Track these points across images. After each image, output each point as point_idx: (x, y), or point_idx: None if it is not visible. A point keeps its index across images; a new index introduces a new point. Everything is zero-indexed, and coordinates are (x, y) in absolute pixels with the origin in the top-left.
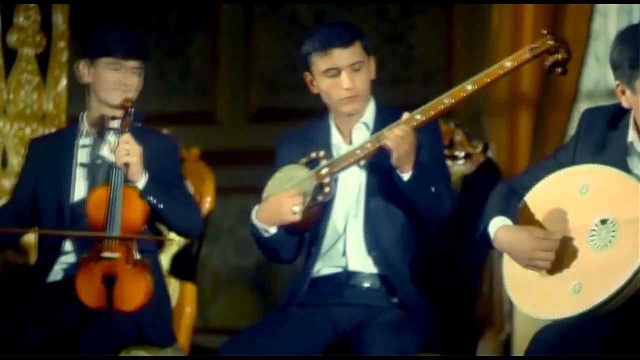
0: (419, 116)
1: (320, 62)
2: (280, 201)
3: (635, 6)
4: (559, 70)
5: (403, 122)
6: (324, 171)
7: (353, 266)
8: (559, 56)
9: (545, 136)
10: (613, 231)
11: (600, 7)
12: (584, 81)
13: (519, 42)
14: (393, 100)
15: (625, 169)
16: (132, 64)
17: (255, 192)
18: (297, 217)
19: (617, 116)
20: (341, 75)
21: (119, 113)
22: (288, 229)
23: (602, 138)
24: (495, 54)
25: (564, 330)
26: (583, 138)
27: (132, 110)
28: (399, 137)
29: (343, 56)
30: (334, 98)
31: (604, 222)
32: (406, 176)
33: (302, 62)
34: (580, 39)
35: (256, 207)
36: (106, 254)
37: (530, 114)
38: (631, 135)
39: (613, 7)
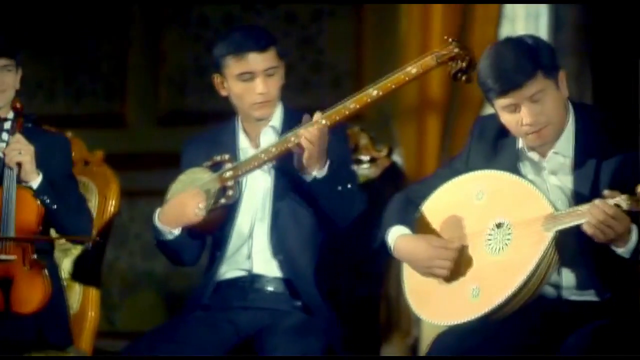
0: (323, 122)
1: (234, 66)
2: (183, 202)
3: (542, 11)
4: (464, 77)
5: (312, 124)
6: (228, 174)
7: (258, 270)
8: (464, 64)
9: (453, 140)
10: (508, 234)
11: (507, 12)
12: None
13: (428, 46)
14: (303, 105)
15: (518, 174)
16: (1, 62)
17: (163, 196)
18: (200, 218)
19: None
20: (255, 80)
21: (10, 114)
22: (191, 231)
23: (494, 145)
24: (404, 58)
25: (463, 332)
26: (476, 145)
27: (23, 111)
28: (314, 135)
29: (258, 61)
30: (246, 102)
31: (499, 225)
32: (317, 175)
33: (214, 63)
34: (487, 44)
35: (158, 210)
36: (2, 257)
37: (439, 119)
38: (521, 141)
39: (520, 13)
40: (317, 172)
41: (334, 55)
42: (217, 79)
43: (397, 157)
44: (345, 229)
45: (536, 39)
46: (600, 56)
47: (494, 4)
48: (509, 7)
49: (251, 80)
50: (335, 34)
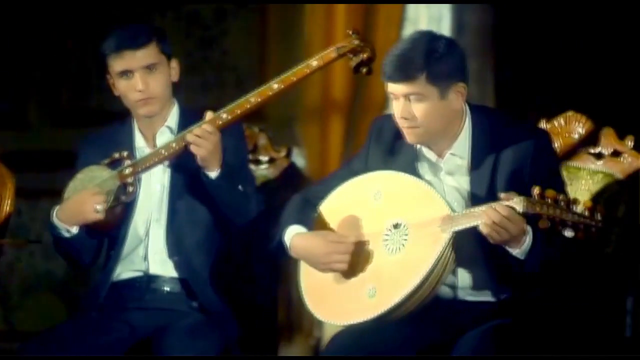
0: (225, 115)
1: (114, 64)
2: (83, 200)
3: (445, 14)
4: (364, 70)
5: (206, 121)
6: (127, 171)
7: (154, 270)
8: (364, 55)
9: (356, 141)
10: (405, 234)
11: (410, 14)
12: None
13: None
14: (206, 105)
15: (416, 174)
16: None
17: None
18: (99, 216)
19: None
20: (135, 77)
21: None
22: (89, 230)
23: (392, 145)
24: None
25: (359, 332)
26: (374, 145)
27: None
28: (199, 136)
29: (135, 58)
30: (129, 100)
31: (396, 226)
32: (213, 174)
33: (103, 64)
34: (390, 46)
35: (56, 207)
36: None
37: (342, 120)
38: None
39: (423, 15)
40: (211, 172)
41: (237, 56)
42: (109, 80)
43: (299, 158)
44: (242, 228)
45: (449, 45)
46: (501, 58)
47: (397, 6)
48: (411, 10)
49: (131, 78)
50: (238, 34)
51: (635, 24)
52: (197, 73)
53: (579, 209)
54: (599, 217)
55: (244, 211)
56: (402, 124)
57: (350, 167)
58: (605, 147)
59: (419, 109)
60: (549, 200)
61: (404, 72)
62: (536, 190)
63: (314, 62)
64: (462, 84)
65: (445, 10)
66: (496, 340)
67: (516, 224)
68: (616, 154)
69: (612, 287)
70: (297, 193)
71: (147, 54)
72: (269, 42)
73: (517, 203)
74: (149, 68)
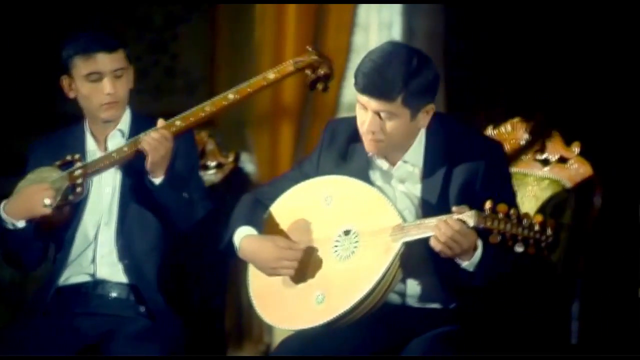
0: (179, 122)
1: (83, 66)
2: (32, 193)
3: (395, 20)
4: (321, 86)
5: (163, 127)
6: (77, 172)
7: (102, 274)
8: (321, 71)
9: (307, 146)
10: (355, 242)
11: (361, 20)
12: (344, 93)
13: (281, 53)
14: (156, 110)
15: (367, 181)
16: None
17: None
18: (47, 210)
19: (358, 129)
20: (103, 80)
21: None
22: (36, 229)
23: (345, 150)
24: (258, 64)
25: (307, 338)
26: (327, 149)
27: None
28: (155, 140)
29: (107, 61)
30: (94, 103)
31: (347, 232)
32: (157, 180)
33: (61, 66)
34: (341, 52)
35: (5, 201)
36: None
37: (292, 125)
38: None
39: (374, 21)
40: (155, 178)
41: (187, 61)
42: (64, 81)
43: (248, 164)
44: (189, 233)
45: (426, 64)
46: (452, 64)
47: (347, 12)
48: (362, 16)
49: (99, 81)
50: (189, 39)
51: (582, 29)
52: (148, 78)
53: (529, 223)
54: (549, 231)
55: (187, 217)
56: (367, 135)
57: (301, 170)
58: (551, 153)
59: (388, 126)
60: (501, 215)
61: (381, 91)
62: (488, 205)
63: (271, 75)
64: (432, 104)
65: (396, 15)
66: (444, 346)
67: (467, 238)
68: (563, 160)
69: (559, 294)
70: (247, 193)
71: (117, 59)
72: (219, 47)
73: (469, 217)
74: (117, 73)
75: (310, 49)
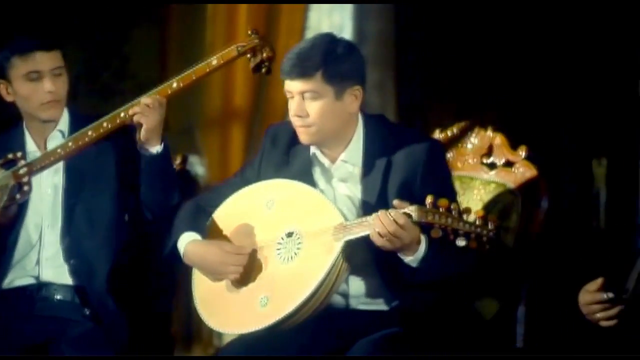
0: (122, 114)
1: (22, 65)
2: None
3: (346, 23)
4: (264, 69)
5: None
6: (22, 170)
7: (46, 277)
8: (264, 55)
9: (257, 150)
10: (298, 243)
11: (312, 23)
12: None
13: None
14: (106, 113)
15: (311, 179)
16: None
17: None
18: None
19: None
20: (43, 79)
21: None
22: None
23: (287, 152)
24: None
25: (252, 341)
26: (268, 154)
27: None
28: (148, 106)
29: (45, 60)
30: (34, 103)
31: (290, 235)
32: (154, 149)
33: None
34: None
35: None
36: None
37: (243, 128)
38: (313, 147)
39: (325, 24)
40: (152, 147)
41: (138, 63)
42: (1, 85)
43: (199, 167)
44: (161, 217)
45: (348, 47)
46: (403, 67)
47: (299, 15)
48: (313, 19)
49: (39, 80)
50: (139, 42)
51: (530, 33)
52: (98, 80)
53: (471, 218)
54: (491, 226)
55: (172, 194)
56: (296, 122)
57: (242, 176)
58: (498, 157)
59: (313, 107)
60: (442, 209)
61: (300, 68)
62: (429, 199)
63: (214, 61)
64: (359, 87)
65: (347, 19)
66: (387, 348)
67: (409, 233)
68: (509, 164)
69: (504, 297)
70: (190, 200)
71: (55, 58)
72: (169, 49)
73: (411, 211)
74: (56, 71)
75: (251, 32)
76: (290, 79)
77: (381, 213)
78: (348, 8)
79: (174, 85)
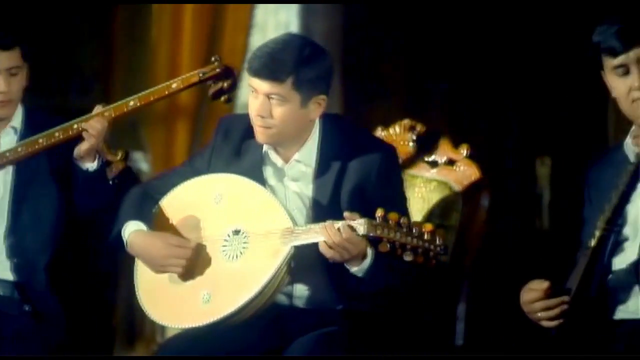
0: (75, 126)
1: None
2: None
3: (293, 20)
4: (224, 98)
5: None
6: None
7: None
8: (224, 84)
9: (202, 146)
10: (245, 243)
11: (258, 20)
12: (241, 94)
13: (178, 53)
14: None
15: (261, 177)
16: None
17: None
18: None
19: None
20: None
21: None
22: None
23: (239, 146)
24: (153, 65)
25: (193, 337)
26: (219, 146)
27: None
28: (97, 126)
29: (2, 59)
30: None
31: (236, 232)
32: (91, 166)
33: None
34: (238, 52)
35: None
36: None
37: (188, 124)
38: (266, 145)
39: (271, 22)
40: (89, 164)
41: (83, 60)
42: None
43: (143, 163)
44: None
45: (320, 54)
46: (349, 65)
47: (245, 12)
48: (259, 16)
49: None
50: (85, 38)
51: (477, 32)
52: (43, 77)
53: (419, 232)
54: (438, 241)
55: (102, 204)
56: (256, 121)
57: (192, 165)
58: (440, 155)
59: (277, 111)
60: (391, 223)
61: (272, 71)
62: (379, 213)
63: (174, 85)
64: (324, 96)
65: (293, 16)
66: (326, 347)
67: (356, 246)
68: (451, 162)
69: (444, 295)
70: (136, 186)
71: (12, 57)
72: (115, 47)
73: (360, 225)
74: (12, 71)
75: (214, 59)
76: (259, 78)
77: (328, 224)
78: (295, 6)
79: (131, 103)
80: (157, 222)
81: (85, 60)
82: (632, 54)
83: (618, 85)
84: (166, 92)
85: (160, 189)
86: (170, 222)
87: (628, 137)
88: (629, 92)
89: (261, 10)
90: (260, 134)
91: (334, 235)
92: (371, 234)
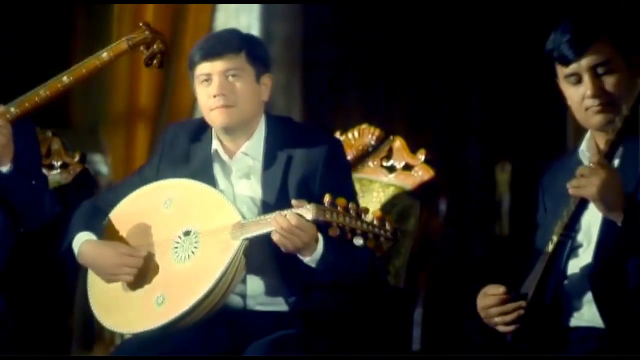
0: (13, 109)
1: None
2: None
3: (253, 24)
4: (156, 62)
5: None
6: None
7: None
8: (155, 47)
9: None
10: (195, 242)
11: (219, 23)
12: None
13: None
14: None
15: (211, 176)
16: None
17: None
18: None
19: (200, 129)
20: None
21: None
22: None
23: (187, 151)
24: (114, 67)
25: (147, 340)
26: (167, 153)
27: None
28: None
29: None
30: None
31: (187, 233)
32: (5, 169)
33: None
34: None
35: None
36: None
37: (148, 127)
38: (215, 143)
39: (232, 24)
40: (3, 167)
41: (43, 61)
42: None
43: (102, 165)
44: (36, 229)
45: (257, 38)
46: (309, 70)
47: (206, 14)
48: (220, 20)
49: None
50: (44, 39)
51: (435, 36)
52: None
53: (368, 217)
54: (388, 226)
55: (38, 206)
56: (216, 103)
57: (141, 175)
58: (397, 160)
59: (237, 86)
60: (340, 208)
61: (223, 47)
62: (327, 198)
63: (104, 55)
64: (269, 75)
65: (254, 20)
66: (281, 350)
67: (306, 232)
68: (408, 167)
69: (401, 300)
70: (86, 200)
71: None
72: (75, 46)
73: (307, 210)
74: None
75: (142, 25)
76: (212, 59)
77: (277, 213)
78: (255, 9)
79: (64, 79)
80: (108, 232)
81: (44, 61)
82: (583, 62)
83: (571, 94)
84: (97, 63)
85: (110, 201)
86: (121, 231)
87: (583, 143)
88: (582, 101)
89: (222, 13)
90: (220, 115)
91: (283, 223)
92: (319, 219)
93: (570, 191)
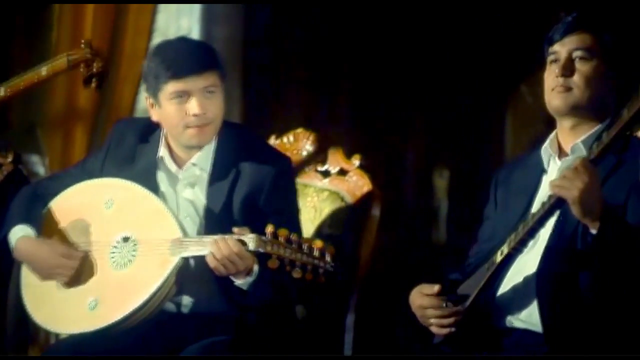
0: None
1: None
2: None
3: (194, 26)
4: (94, 83)
5: None
6: None
7: None
8: (95, 67)
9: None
10: (134, 251)
11: (160, 25)
12: (140, 99)
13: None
14: None
15: (154, 183)
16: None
17: None
18: None
19: (149, 129)
20: None
21: None
22: None
23: (133, 151)
24: None
25: (80, 342)
26: (114, 149)
27: None
28: None
29: None
30: None
31: (125, 239)
32: None
33: None
34: (139, 56)
35: None
36: None
37: (86, 129)
38: (162, 150)
39: (172, 26)
40: None
41: None
42: None
43: (39, 166)
44: None
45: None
46: (249, 73)
47: (146, 16)
48: (161, 21)
49: None
50: None
51: (377, 40)
52: None
53: (309, 249)
54: (328, 258)
55: None
56: (197, 122)
57: (84, 167)
58: (332, 165)
59: (213, 104)
60: (281, 240)
61: (207, 63)
62: (269, 229)
63: (43, 71)
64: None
65: (195, 22)
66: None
67: (244, 261)
68: (343, 172)
69: (332, 305)
70: (27, 186)
71: None
72: (14, 47)
73: (249, 240)
74: None
75: (83, 43)
76: (193, 75)
77: (219, 238)
78: (196, 11)
79: (1, 92)
80: (47, 224)
81: None
82: (565, 42)
83: (547, 75)
84: (35, 79)
85: (51, 190)
86: (60, 224)
87: (547, 140)
88: (552, 81)
89: (163, 15)
90: (197, 134)
91: (224, 248)
92: (260, 250)
93: (552, 190)
